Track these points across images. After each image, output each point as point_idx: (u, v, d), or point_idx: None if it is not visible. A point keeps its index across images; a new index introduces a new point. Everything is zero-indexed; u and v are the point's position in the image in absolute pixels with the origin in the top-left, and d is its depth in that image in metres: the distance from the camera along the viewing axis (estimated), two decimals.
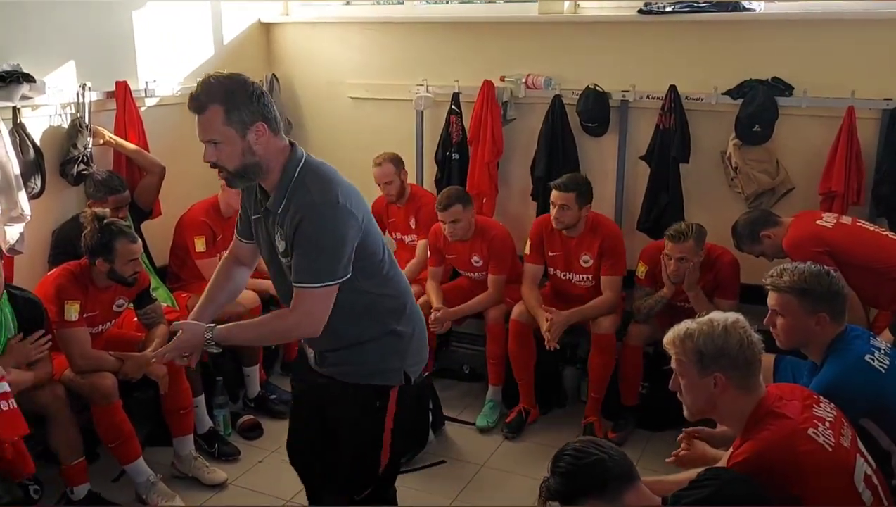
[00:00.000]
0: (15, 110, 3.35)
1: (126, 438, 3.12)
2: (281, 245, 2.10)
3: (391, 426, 2.28)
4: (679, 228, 3.47)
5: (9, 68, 3.29)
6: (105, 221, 3.08)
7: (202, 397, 3.55)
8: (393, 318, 2.24)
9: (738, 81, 3.71)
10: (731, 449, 1.95)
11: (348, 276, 2.06)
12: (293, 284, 2.06)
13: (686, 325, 1.96)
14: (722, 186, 3.90)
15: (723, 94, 3.75)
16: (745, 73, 3.70)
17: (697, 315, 2.02)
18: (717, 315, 1.96)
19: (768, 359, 2.89)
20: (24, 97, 3.33)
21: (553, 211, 3.68)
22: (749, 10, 3.70)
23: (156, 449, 3.45)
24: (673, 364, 1.97)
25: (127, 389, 3.20)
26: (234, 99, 1.97)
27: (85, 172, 3.65)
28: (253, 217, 2.23)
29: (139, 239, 3.21)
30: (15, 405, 2.64)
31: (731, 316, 1.96)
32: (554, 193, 3.67)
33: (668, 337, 1.97)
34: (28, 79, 3.31)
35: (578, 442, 1.78)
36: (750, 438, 1.84)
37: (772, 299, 2.38)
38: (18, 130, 3.37)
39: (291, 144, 2.12)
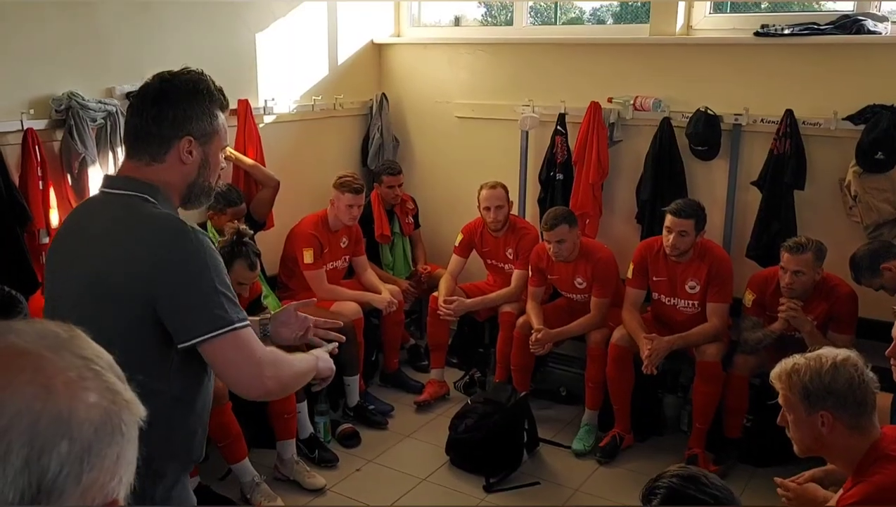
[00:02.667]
0: None
1: (234, 438, 3.27)
2: None
3: None
4: (798, 239, 3.36)
5: None
6: (242, 238, 3.22)
7: (305, 404, 3.68)
8: None
9: (860, 106, 3.55)
10: (841, 490, 1.87)
11: None
12: None
13: (793, 360, 1.89)
14: (839, 215, 3.74)
15: (843, 119, 3.60)
16: (869, 97, 3.54)
17: (809, 349, 1.95)
18: (827, 351, 1.89)
19: (886, 398, 2.75)
20: None
21: (670, 237, 3.59)
22: (874, 32, 3.55)
23: (260, 451, 3.60)
24: (780, 400, 1.91)
25: None
26: None
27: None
28: None
29: (259, 268, 3.34)
30: None
31: (842, 353, 1.88)
32: (671, 219, 3.58)
33: (775, 372, 1.91)
34: None
35: (679, 472, 1.52)
36: (862, 481, 1.76)
37: None
38: None
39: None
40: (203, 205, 1.74)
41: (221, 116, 1.66)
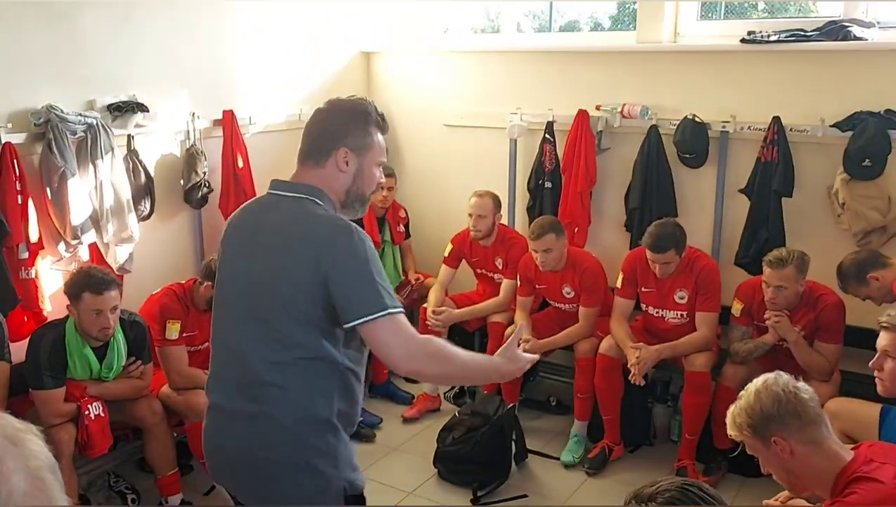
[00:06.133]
0: (129, 138, 3.57)
1: None
2: None
3: None
4: (779, 253, 3.31)
5: (126, 98, 3.52)
6: None
7: None
8: None
9: (847, 113, 3.52)
10: None
11: None
12: None
13: (731, 408, 1.94)
14: (828, 223, 3.70)
15: (830, 126, 3.57)
16: (855, 104, 3.52)
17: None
18: (751, 385, 1.93)
19: (874, 409, 2.73)
20: (137, 125, 3.55)
21: (655, 268, 3.60)
22: (861, 38, 3.52)
23: None
24: (749, 450, 1.94)
25: None
26: None
27: (210, 194, 3.90)
28: None
29: None
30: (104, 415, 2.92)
31: (763, 378, 1.91)
32: (651, 254, 3.57)
33: (728, 425, 1.94)
34: (142, 108, 3.52)
35: (675, 485, 1.35)
36: (837, 501, 1.74)
37: (884, 339, 2.24)
38: (132, 157, 3.57)
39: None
40: (358, 213, 1.94)
41: (378, 136, 1.92)
